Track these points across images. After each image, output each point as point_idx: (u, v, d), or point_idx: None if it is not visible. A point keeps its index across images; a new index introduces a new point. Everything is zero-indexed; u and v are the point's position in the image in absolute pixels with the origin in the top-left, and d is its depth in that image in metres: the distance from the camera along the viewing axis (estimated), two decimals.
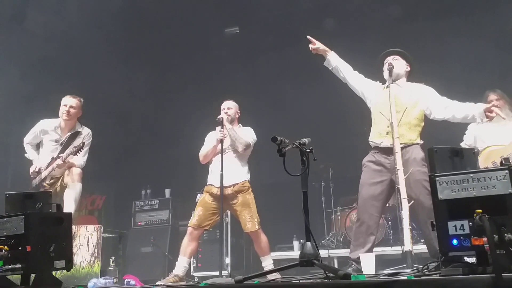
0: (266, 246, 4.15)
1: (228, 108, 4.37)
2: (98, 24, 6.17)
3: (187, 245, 4.07)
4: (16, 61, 6.08)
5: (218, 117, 4.27)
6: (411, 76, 3.92)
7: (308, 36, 4.00)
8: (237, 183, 4.16)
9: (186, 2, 6.22)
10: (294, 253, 5.66)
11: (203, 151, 4.34)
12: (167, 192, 6.55)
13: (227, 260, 5.33)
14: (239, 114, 4.45)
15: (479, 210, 1.88)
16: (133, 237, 6.19)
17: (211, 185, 4.21)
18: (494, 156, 4.07)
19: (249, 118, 4.68)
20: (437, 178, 2.06)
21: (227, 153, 4.21)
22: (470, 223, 1.93)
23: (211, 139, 4.37)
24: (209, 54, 6.85)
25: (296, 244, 5.88)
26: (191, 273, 5.32)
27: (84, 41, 6.20)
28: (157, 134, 6.99)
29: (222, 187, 4.00)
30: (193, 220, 4.12)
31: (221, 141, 4.16)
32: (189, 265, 4.44)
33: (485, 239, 1.84)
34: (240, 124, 4.46)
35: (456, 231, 1.96)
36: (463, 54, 5.50)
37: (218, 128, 4.26)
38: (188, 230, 4.12)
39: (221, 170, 4.02)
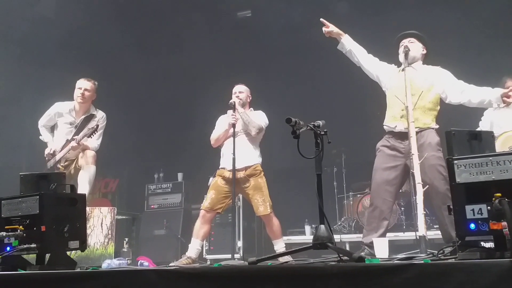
0: (278, 230, 4.16)
1: (240, 92, 4.36)
2: (111, 7, 6.15)
3: (200, 227, 4.10)
4: (29, 45, 6.11)
5: (230, 101, 4.27)
6: (427, 59, 3.84)
7: (321, 19, 3.93)
8: (249, 167, 4.16)
9: None
10: (306, 238, 5.68)
11: (214, 135, 4.35)
12: (180, 175, 6.59)
13: (239, 244, 5.36)
14: (250, 98, 4.45)
15: (498, 194, 1.84)
16: (146, 220, 6.25)
17: (223, 168, 4.22)
18: (511, 141, 4.00)
19: (262, 101, 4.66)
20: (455, 161, 2.02)
21: (238, 136, 4.21)
22: (489, 207, 1.90)
23: (222, 123, 4.37)
24: (221, 38, 6.79)
25: (307, 228, 5.88)
26: (204, 256, 5.37)
27: (97, 24, 6.18)
28: (170, 118, 7.00)
29: (234, 171, 4.00)
30: (206, 203, 4.14)
31: (233, 125, 4.15)
32: (202, 248, 4.47)
33: (504, 223, 1.80)
34: (251, 108, 4.44)
35: (474, 215, 1.93)
36: (481, 37, 5.38)
37: (230, 111, 4.25)
38: (201, 213, 4.15)
39: (233, 154, 4.02)
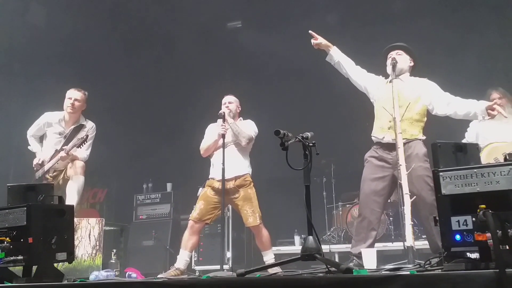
0: (268, 241, 4.15)
1: (229, 103, 4.37)
2: (101, 17, 6.15)
3: (188, 238, 4.07)
4: (18, 54, 6.07)
5: (219, 112, 4.27)
6: (415, 71, 3.91)
7: (310, 31, 3.98)
8: (239, 177, 4.16)
9: None
10: (295, 248, 5.67)
11: (204, 144, 4.34)
12: (169, 186, 6.56)
13: (228, 254, 5.34)
14: (240, 108, 4.46)
15: (483, 206, 1.87)
16: (135, 230, 6.20)
17: (213, 178, 4.21)
18: (496, 152, 4.06)
19: (252, 112, 4.67)
20: (441, 173, 2.05)
21: (228, 147, 4.21)
22: (473, 219, 1.92)
23: (211, 132, 4.37)
24: (211, 48, 6.83)
25: (297, 239, 5.89)
26: (192, 267, 5.34)
27: (87, 34, 6.18)
28: (159, 128, 6.99)
29: (223, 181, 4.00)
30: (194, 213, 4.12)
31: (223, 136, 4.15)
32: (190, 259, 4.44)
33: (488, 234, 1.83)
34: (241, 118, 4.46)
35: (459, 226, 1.96)
36: (467, 50, 5.47)
37: (220, 121, 4.26)
38: (189, 223, 4.13)
39: (223, 164, 4.02)
